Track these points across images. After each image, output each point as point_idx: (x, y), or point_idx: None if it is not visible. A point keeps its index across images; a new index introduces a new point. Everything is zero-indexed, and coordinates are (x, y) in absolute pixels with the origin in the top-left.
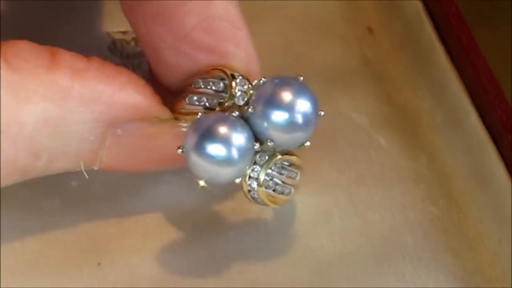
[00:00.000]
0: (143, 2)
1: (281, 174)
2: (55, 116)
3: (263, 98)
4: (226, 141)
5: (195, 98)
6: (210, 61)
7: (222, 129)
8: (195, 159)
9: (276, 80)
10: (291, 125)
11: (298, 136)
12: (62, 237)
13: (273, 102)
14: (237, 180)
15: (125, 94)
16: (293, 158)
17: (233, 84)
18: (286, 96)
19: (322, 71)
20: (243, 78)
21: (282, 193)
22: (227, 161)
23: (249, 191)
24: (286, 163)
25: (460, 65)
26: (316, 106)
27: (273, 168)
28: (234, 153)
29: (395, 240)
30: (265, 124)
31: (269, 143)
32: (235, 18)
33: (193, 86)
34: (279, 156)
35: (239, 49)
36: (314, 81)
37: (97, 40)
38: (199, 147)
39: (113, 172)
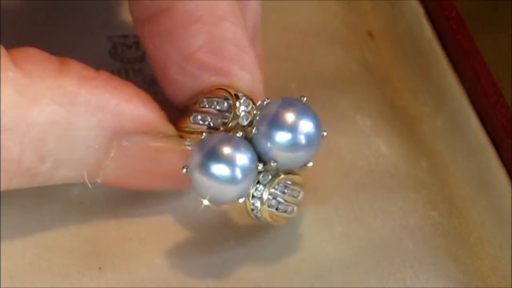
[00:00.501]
0: (152, 20)
1: (284, 193)
2: (62, 120)
3: (266, 119)
4: (230, 161)
5: (199, 117)
6: (215, 82)
7: (226, 150)
8: (200, 178)
9: (280, 101)
10: (294, 145)
11: (301, 156)
12: (63, 242)
13: (276, 123)
14: (241, 200)
15: (131, 105)
16: (296, 177)
17: (237, 104)
18: (290, 116)
19: (323, 75)
20: (247, 98)
21: (285, 212)
22: (231, 180)
23: (252, 209)
24: (289, 182)
25: (461, 70)
26: (319, 126)
27: (276, 187)
28: (238, 173)
29: (395, 245)
30: (269, 144)
31: (272, 164)
32: (242, 41)
33: (197, 105)
34: (282, 176)
35: (244, 71)
36: (315, 85)
37: (98, 45)
38: (204, 167)
39: None
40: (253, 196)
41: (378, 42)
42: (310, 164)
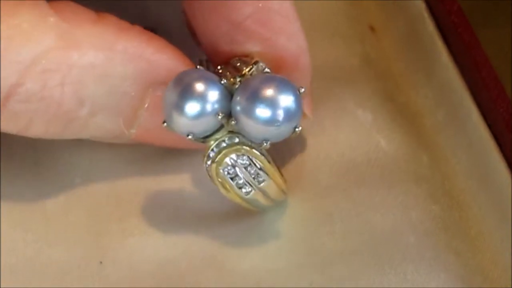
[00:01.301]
0: None
1: (246, 168)
2: (101, 64)
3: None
4: (202, 97)
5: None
6: (261, 51)
7: (199, 86)
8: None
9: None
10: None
11: (264, 130)
12: (64, 236)
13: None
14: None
15: (165, 55)
16: (267, 165)
17: (248, 69)
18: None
19: (325, 70)
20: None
21: (239, 187)
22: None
23: (206, 161)
24: (257, 163)
25: (462, 64)
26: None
27: (241, 157)
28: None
29: (396, 239)
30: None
31: (232, 122)
32: (289, 12)
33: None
34: (250, 149)
35: (290, 42)
36: (316, 79)
37: None
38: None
39: (116, 170)
40: (211, 149)
41: (380, 36)
42: (267, 144)
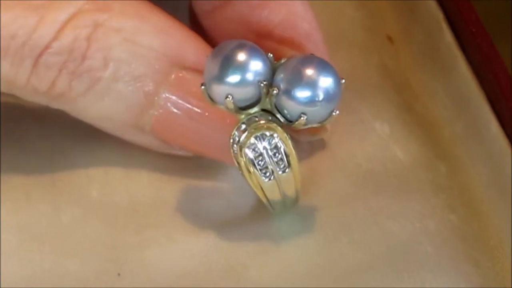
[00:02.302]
0: (224, 7)
1: (271, 151)
2: (128, 30)
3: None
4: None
5: None
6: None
7: (241, 56)
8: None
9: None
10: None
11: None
12: (81, 248)
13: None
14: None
15: (194, 40)
16: (292, 152)
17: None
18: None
19: None
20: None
21: (261, 171)
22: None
23: (233, 135)
24: (283, 150)
25: (481, 74)
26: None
27: (268, 139)
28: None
29: (414, 248)
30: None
31: (274, 91)
32: (312, 19)
33: None
34: (278, 127)
35: (317, 49)
36: None
37: None
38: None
39: (132, 182)
40: (242, 122)
41: (397, 46)
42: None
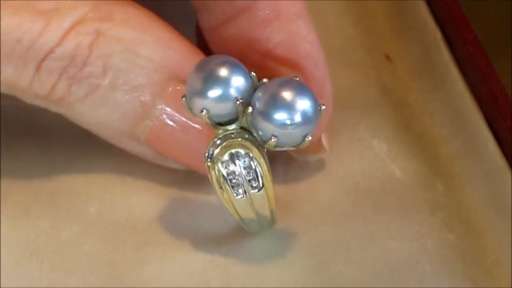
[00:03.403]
0: (226, 23)
1: (244, 169)
2: (129, 40)
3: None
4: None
5: None
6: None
7: (223, 71)
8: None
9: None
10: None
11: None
12: (80, 265)
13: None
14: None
15: (195, 55)
16: (266, 172)
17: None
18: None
19: (341, 99)
20: None
21: (233, 187)
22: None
23: (208, 149)
24: (257, 170)
25: (478, 93)
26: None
27: (242, 157)
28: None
29: (412, 267)
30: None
31: (249, 110)
32: (315, 40)
33: None
34: (253, 146)
35: (316, 69)
36: (333, 109)
37: None
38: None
39: (131, 198)
40: (218, 138)
41: (396, 65)
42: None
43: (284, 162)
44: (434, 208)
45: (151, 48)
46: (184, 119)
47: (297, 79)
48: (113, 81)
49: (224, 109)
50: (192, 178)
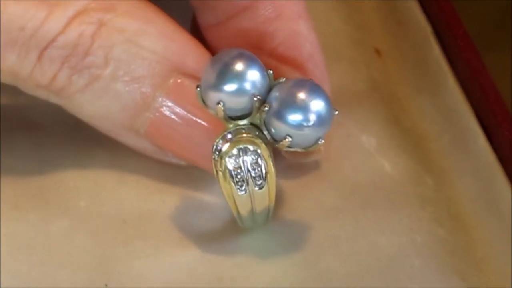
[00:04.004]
0: (227, 22)
1: (251, 167)
2: (132, 30)
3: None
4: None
5: None
6: (294, 75)
7: (239, 65)
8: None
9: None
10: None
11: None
12: (69, 259)
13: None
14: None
15: (197, 48)
16: (271, 171)
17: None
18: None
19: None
20: None
21: (236, 183)
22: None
23: (217, 142)
24: (263, 167)
25: (468, 88)
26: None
27: (250, 153)
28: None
29: (402, 262)
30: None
31: (265, 108)
32: (315, 40)
33: None
34: (262, 144)
35: (317, 70)
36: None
37: None
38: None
39: (120, 192)
40: (229, 132)
41: (385, 60)
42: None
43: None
44: (423, 203)
45: (153, 39)
46: (185, 112)
47: (312, 80)
48: (114, 71)
49: (239, 103)
50: (183, 173)
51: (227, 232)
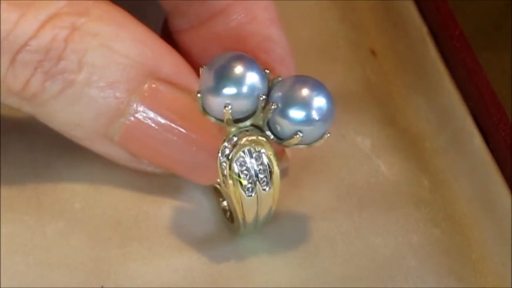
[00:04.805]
0: (200, 26)
1: (258, 168)
2: (105, 36)
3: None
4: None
5: None
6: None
7: (238, 69)
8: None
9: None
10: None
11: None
12: (66, 260)
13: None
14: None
15: (171, 53)
16: (276, 171)
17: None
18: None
19: None
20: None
21: (244, 186)
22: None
23: (224, 147)
24: (269, 167)
25: (464, 88)
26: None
27: (256, 155)
28: (245, 89)
29: (398, 263)
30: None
31: (273, 106)
32: (286, 46)
33: None
34: (267, 143)
35: (289, 73)
36: None
37: None
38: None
39: (116, 194)
40: (234, 135)
41: (381, 60)
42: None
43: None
44: (419, 204)
45: (128, 44)
46: (159, 117)
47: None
48: (88, 77)
49: (244, 105)
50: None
51: (223, 234)
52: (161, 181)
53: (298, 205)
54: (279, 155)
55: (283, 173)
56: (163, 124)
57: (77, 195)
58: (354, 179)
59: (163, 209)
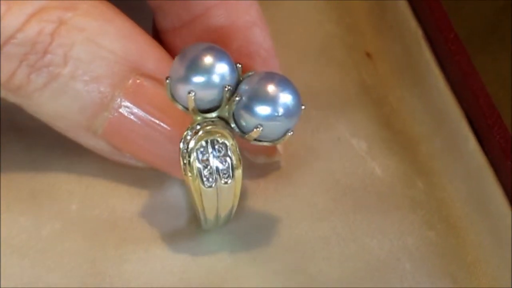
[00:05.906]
0: (183, 28)
1: (219, 160)
2: (92, 30)
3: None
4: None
5: None
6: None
7: (208, 59)
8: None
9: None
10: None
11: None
12: (62, 261)
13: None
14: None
15: (157, 49)
16: (238, 165)
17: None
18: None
19: (321, 97)
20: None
21: (204, 176)
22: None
23: (185, 135)
24: (232, 160)
25: (459, 91)
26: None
27: (218, 146)
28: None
29: (393, 265)
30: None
31: (237, 98)
32: (270, 47)
33: None
34: (230, 136)
35: None
36: (313, 107)
37: None
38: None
39: (112, 196)
40: (197, 124)
41: (376, 63)
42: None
43: (264, 158)
44: (414, 206)
45: (113, 39)
46: (143, 112)
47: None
48: (73, 70)
49: (210, 95)
50: (176, 178)
51: (218, 236)
52: (158, 184)
53: (293, 206)
54: (271, 150)
55: (275, 167)
56: (146, 119)
57: (74, 197)
58: (349, 181)
59: (159, 210)
